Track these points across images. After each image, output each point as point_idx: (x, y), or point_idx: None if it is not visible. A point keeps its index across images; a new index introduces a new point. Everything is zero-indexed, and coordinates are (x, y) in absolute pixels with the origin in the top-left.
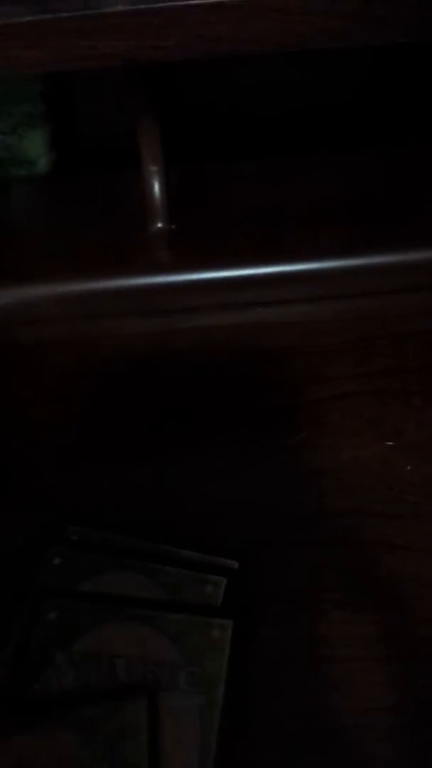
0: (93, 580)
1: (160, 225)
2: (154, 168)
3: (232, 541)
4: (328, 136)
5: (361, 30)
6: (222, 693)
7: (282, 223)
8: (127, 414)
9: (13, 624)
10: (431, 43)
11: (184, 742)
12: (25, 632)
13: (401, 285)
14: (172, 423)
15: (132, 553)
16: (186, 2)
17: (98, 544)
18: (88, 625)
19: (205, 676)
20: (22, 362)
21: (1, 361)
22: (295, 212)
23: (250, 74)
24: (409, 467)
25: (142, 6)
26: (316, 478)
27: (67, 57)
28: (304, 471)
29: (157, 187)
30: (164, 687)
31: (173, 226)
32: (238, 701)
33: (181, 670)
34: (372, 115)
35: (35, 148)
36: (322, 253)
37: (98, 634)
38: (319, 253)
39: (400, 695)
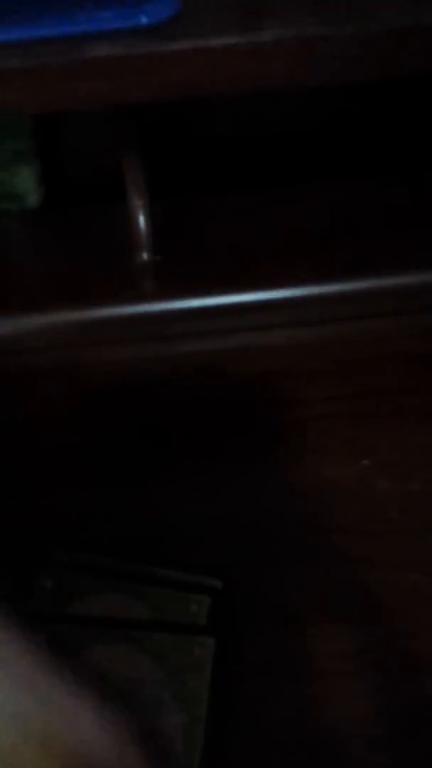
0: (80, 603)
1: (145, 256)
2: (139, 202)
3: (216, 560)
4: (306, 168)
5: (337, 70)
6: (205, 709)
7: (261, 252)
8: (112, 438)
9: None
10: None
11: (170, 757)
12: None
13: (374, 310)
14: (156, 445)
15: (119, 574)
16: (165, 47)
17: (85, 567)
18: (77, 647)
19: (188, 693)
20: (11, 390)
21: None
22: (274, 242)
23: (231, 108)
24: (385, 485)
25: (123, 52)
26: (296, 496)
27: (52, 100)
28: (285, 490)
29: (142, 220)
30: (150, 704)
31: (158, 257)
32: (221, 718)
33: (165, 687)
34: (349, 148)
35: (25, 183)
36: (299, 281)
37: (87, 655)
38: (296, 280)
39: (382, 706)
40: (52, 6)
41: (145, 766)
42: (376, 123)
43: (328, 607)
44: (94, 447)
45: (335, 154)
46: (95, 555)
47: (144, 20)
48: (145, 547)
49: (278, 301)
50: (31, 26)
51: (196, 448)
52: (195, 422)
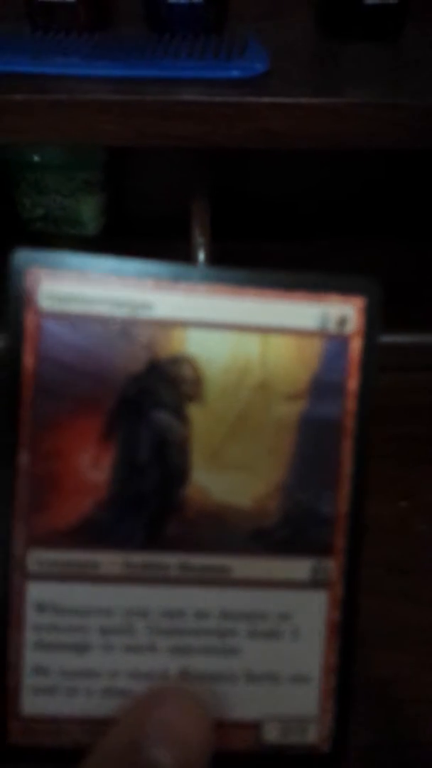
0: None
1: None
2: (201, 239)
3: None
4: (359, 227)
5: (407, 136)
6: None
7: None
8: None
9: None
10: None
11: None
12: None
13: (415, 363)
14: None
15: None
16: (251, 99)
17: None
18: None
19: None
20: None
21: None
22: None
23: (296, 170)
24: (423, 526)
25: (218, 98)
26: None
27: (144, 135)
28: None
29: (202, 257)
30: None
31: None
32: None
33: None
34: (397, 209)
35: (89, 212)
36: None
37: None
38: None
39: (417, 737)
40: (155, 50)
41: None
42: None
43: (363, 636)
44: None
45: (386, 214)
46: None
47: (235, 73)
48: None
49: None
50: (130, 66)
51: None
52: None
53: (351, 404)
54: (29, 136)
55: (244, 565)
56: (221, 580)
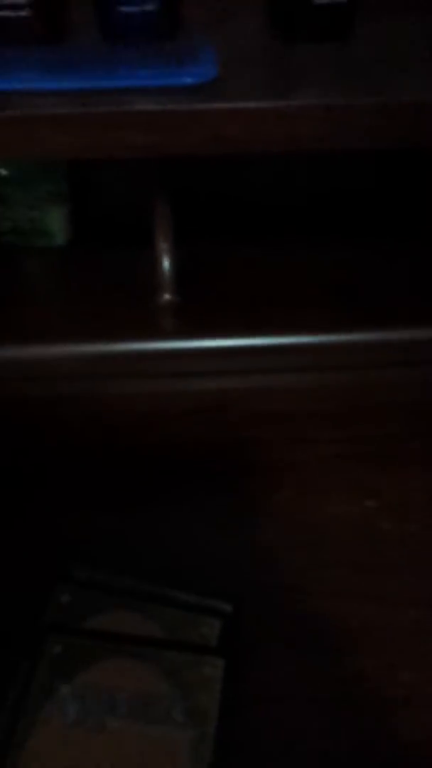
0: (97, 619)
1: (167, 297)
2: (165, 245)
3: (226, 587)
4: (324, 226)
5: (357, 136)
6: (214, 727)
7: (276, 300)
8: (129, 465)
9: (20, 657)
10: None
11: None
12: (31, 665)
13: (381, 360)
14: (170, 475)
15: (134, 593)
16: (204, 106)
17: (103, 584)
18: (90, 660)
19: (197, 711)
20: (33, 414)
21: (14, 412)
22: (289, 291)
23: (257, 166)
24: (386, 525)
25: (170, 106)
26: (302, 531)
27: (97, 147)
28: (292, 524)
29: (166, 263)
30: (160, 719)
31: (179, 298)
32: (229, 736)
33: (176, 704)
34: (373, 205)
35: (56, 222)
36: (311, 329)
37: (100, 668)
38: (308, 328)
39: (382, 736)
40: (108, 60)
41: None
42: (392, 188)
43: (330, 636)
44: (112, 471)
45: (353, 215)
46: (112, 574)
47: (187, 80)
48: (161, 570)
49: (289, 346)
50: (82, 78)
51: (208, 479)
52: (206, 455)
53: None
54: None
55: None
56: None
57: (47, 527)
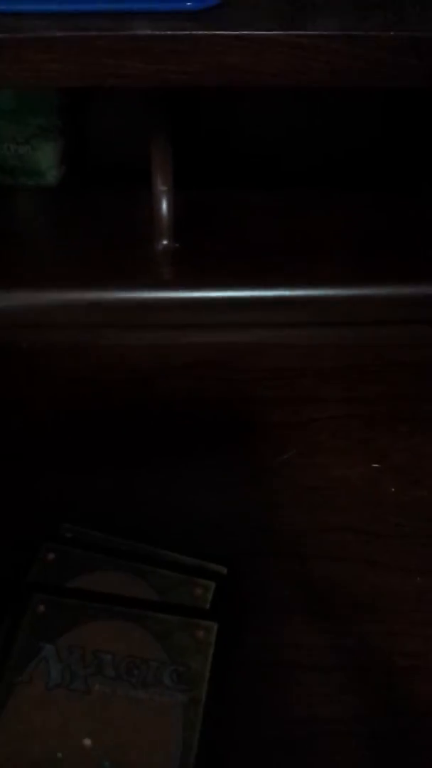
0: (84, 578)
1: (165, 243)
2: (164, 187)
3: (222, 548)
4: (336, 174)
5: (377, 73)
6: (205, 691)
7: (284, 250)
8: (126, 421)
9: (2, 617)
10: None
11: (168, 736)
12: (13, 624)
13: (393, 317)
14: (169, 433)
15: (125, 553)
16: (208, 32)
17: (92, 544)
18: (75, 620)
19: (189, 675)
20: (24, 365)
21: (4, 363)
22: (298, 241)
23: (265, 109)
24: (393, 489)
25: (170, 32)
26: (305, 494)
27: (91, 74)
28: (295, 486)
29: (165, 206)
30: (150, 683)
31: (178, 245)
32: (220, 701)
33: (166, 667)
34: (381, 158)
35: (46, 160)
36: (321, 282)
37: (86, 629)
38: (317, 281)
39: (379, 704)
40: None
41: None
42: (404, 136)
43: (329, 603)
44: (107, 427)
45: (373, 164)
46: (102, 534)
47: (189, 5)
48: (155, 531)
49: (296, 299)
50: (80, 0)
51: (209, 438)
52: (206, 413)
53: None
54: None
55: None
56: None
57: (37, 485)
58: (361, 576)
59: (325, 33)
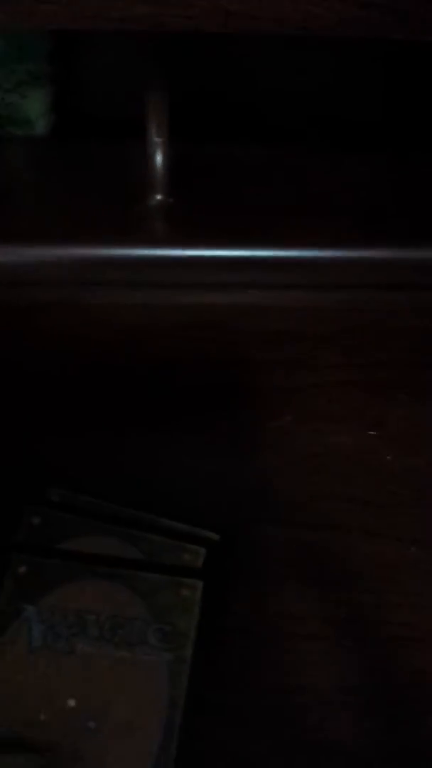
0: (70, 542)
1: (159, 197)
2: (158, 139)
3: (216, 515)
4: (342, 131)
5: (383, 23)
6: (190, 650)
7: (282, 210)
8: (116, 382)
9: None
10: None
11: (153, 695)
12: None
13: (395, 281)
14: (161, 396)
15: (113, 518)
16: None
17: (79, 507)
18: (58, 581)
19: (174, 634)
20: (13, 323)
21: None
22: (297, 201)
23: (268, 61)
24: (389, 457)
25: None
26: (300, 461)
27: (84, 15)
28: (289, 453)
29: (159, 159)
30: (134, 642)
31: (171, 200)
32: (208, 662)
33: (150, 626)
34: (391, 115)
35: (36, 108)
36: (320, 243)
37: (68, 589)
38: (316, 242)
39: (371, 676)
40: None
41: None
42: (411, 94)
43: (323, 572)
44: (96, 389)
45: (374, 122)
46: (89, 497)
47: None
48: (144, 496)
49: (293, 260)
50: None
51: (200, 402)
52: (199, 376)
53: None
54: None
55: None
56: None
57: (23, 448)
58: (355, 545)
59: None
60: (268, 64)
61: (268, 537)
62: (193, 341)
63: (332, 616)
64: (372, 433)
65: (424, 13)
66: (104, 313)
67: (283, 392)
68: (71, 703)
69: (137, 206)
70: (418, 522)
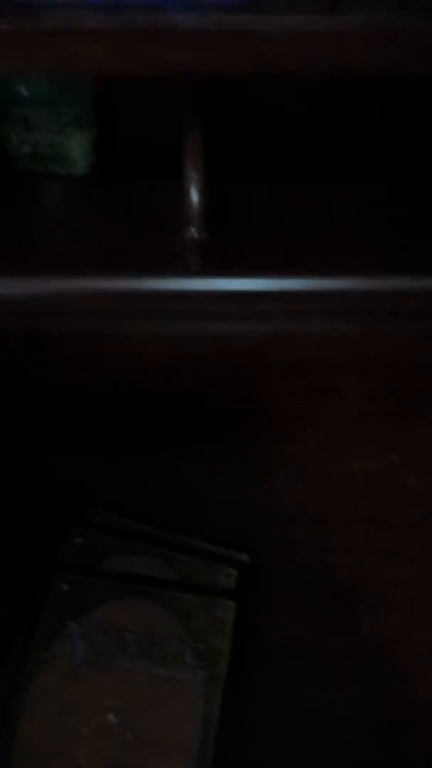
0: (109, 561)
1: (194, 232)
2: (194, 176)
3: (243, 537)
4: (376, 165)
5: (418, 62)
6: (224, 668)
7: (311, 241)
8: (152, 410)
9: (28, 596)
10: None
11: (189, 712)
12: (38, 603)
13: (419, 310)
14: (193, 422)
15: (148, 539)
16: (251, 24)
17: (118, 529)
18: (99, 599)
19: (208, 653)
20: (49, 352)
21: (30, 350)
22: (325, 233)
23: (299, 99)
24: (412, 481)
25: (210, 25)
26: (324, 484)
27: (134, 63)
28: (315, 477)
29: (195, 195)
30: (171, 660)
31: (206, 235)
32: (240, 679)
33: (187, 645)
34: (418, 150)
35: (79, 148)
36: (346, 273)
37: (109, 608)
38: (343, 272)
39: (397, 695)
40: None
41: None
42: None
43: (349, 592)
44: (133, 416)
45: (399, 155)
46: (128, 519)
47: None
48: (179, 518)
49: (322, 290)
50: None
51: (232, 428)
52: (231, 403)
53: None
54: (15, 67)
55: None
56: None
57: (63, 470)
58: (379, 567)
59: (362, 23)
60: (306, 100)
61: (294, 558)
62: (221, 369)
63: (356, 636)
64: (394, 457)
65: None
66: (136, 343)
67: (306, 418)
68: (112, 718)
69: (171, 241)
70: None
